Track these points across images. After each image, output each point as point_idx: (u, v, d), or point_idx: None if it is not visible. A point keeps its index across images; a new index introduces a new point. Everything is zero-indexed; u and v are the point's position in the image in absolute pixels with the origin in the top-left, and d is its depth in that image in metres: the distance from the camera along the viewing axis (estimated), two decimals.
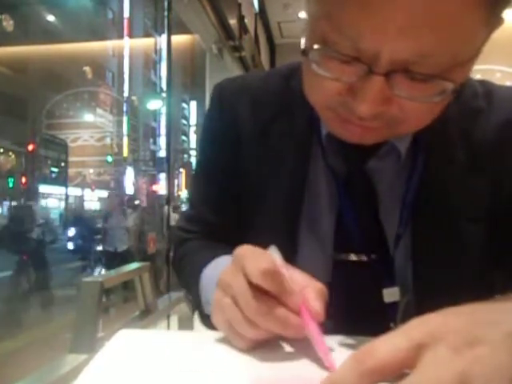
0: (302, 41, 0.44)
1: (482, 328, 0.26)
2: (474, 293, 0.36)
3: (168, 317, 2.14)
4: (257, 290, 0.38)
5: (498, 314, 0.28)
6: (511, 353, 0.24)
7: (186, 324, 1.96)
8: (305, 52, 0.42)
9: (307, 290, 0.39)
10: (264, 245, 0.42)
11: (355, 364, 0.27)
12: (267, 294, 0.38)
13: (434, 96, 0.40)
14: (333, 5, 0.38)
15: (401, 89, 0.40)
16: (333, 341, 0.41)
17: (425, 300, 0.51)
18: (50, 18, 18.92)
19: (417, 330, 0.27)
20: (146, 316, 1.74)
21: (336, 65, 0.41)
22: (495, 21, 0.40)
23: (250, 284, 0.38)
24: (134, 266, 1.87)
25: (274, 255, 0.41)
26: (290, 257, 0.56)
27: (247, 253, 0.40)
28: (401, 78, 0.39)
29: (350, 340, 0.42)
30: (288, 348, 0.40)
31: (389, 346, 0.27)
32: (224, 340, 0.42)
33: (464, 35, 0.37)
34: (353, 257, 0.54)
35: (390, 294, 0.53)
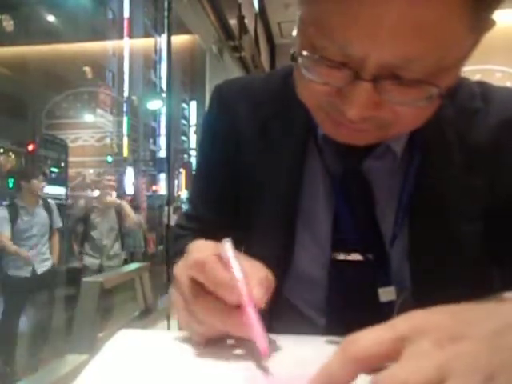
0: (293, 46, 0.44)
1: (466, 325, 0.26)
2: (472, 292, 0.37)
3: (168, 317, 2.15)
4: (199, 286, 0.38)
5: (484, 313, 0.28)
6: (492, 350, 0.25)
7: None
8: (294, 58, 0.43)
9: (250, 278, 0.38)
10: (262, 244, 0.42)
11: (340, 353, 0.27)
12: (206, 290, 0.38)
13: (421, 100, 0.41)
14: (320, 11, 0.39)
15: (388, 94, 0.40)
16: (329, 341, 0.41)
17: (422, 299, 0.51)
18: (50, 18, 18.93)
19: (402, 324, 0.27)
20: (146, 316, 1.74)
21: (325, 70, 0.41)
22: (483, 25, 0.40)
23: (194, 280, 0.38)
24: (134, 266, 1.87)
25: (223, 247, 0.40)
26: (288, 256, 0.57)
27: (194, 247, 0.40)
28: (387, 83, 0.40)
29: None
30: (289, 349, 0.40)
31: (373, 336, 0.27)
32: (224, 340, 0.42)
33: (449, 40, 0.38)
34: (349, 256, 0.55)
35: (386, 294, 0.53)
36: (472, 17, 0.37)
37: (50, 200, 4.19)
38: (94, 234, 4.31)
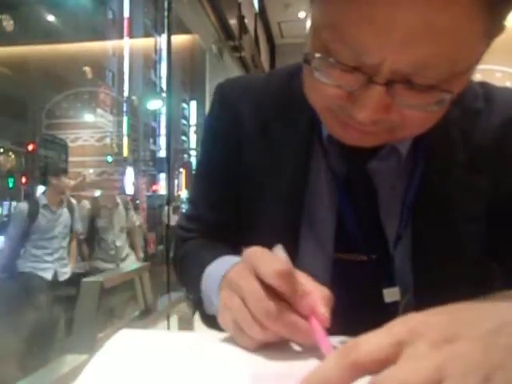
0: (305, 47, 0.44)
1: (461, 325, 0.26)
2: (475, 292, 0.37)
3: (168, 317, 2.14)
4: (267, 292, 0.38)
5: (480, 312, 0.29)
6: (488, 349, 0.25)
7: (186, 324, 1.95)
8: (307, 59, 0.43)
9: (314, 294, 0.39)
10: (265, 245, 0.42)
11: (339, 358, 0.27)
12: (277, 297, 0.38)
13: (433, 105, 0.41)
14: (337, 16, 0.39)
15: (400, 98, 0.40)
16: (333, 341, 0.41)
17: (425, 300, 0.51)
18: (50, 18, 18.93)
19: (399, 328, 0.27)
20: (146, 316, 1.74)
21: (337, 73, 0.41)
22: (495, 31, 0.40)
23: (261, 286, 0.39)
24: (134, 266, 1.87)
25: (282, 257, 0.41)
26: (291, 256, 0.57)
27: (258, 254, 0.41)
28: (400, 87, 0.40)
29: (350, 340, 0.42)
30: (288, 346, 0.40)
31: (372, 341, 0.27)
32: (224, 340, 0.42)
33: (464, 47, 0.38)
34: (353, 257, 0.55)
35: (391, 294, 0.53)
36: (487, 22, 0.37)
37: (72, 200, 3.87)
38: (105, 236, 4.00)
